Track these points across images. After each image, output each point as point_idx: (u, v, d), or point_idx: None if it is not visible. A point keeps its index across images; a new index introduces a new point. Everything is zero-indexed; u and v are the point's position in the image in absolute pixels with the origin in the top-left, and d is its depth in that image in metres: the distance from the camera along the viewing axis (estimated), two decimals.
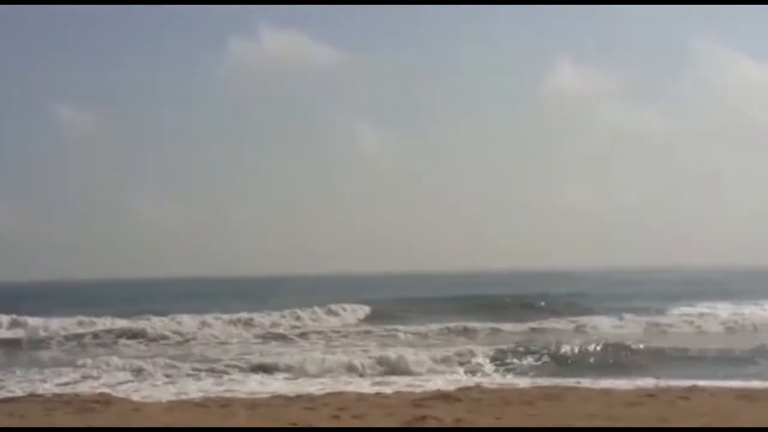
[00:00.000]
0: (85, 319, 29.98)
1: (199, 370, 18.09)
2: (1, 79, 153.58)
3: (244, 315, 30.98)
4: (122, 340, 26.59)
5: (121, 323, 29.26)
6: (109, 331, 27.78)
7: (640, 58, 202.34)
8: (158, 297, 52.00)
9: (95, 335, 27.38)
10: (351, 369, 18.29)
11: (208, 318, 30.22)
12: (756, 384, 14.98)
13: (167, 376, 17.61)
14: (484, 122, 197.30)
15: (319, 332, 28.05)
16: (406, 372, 17.97)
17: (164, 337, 26.82)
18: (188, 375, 17.68)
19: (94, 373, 18.05)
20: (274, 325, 30.29)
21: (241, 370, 18.25)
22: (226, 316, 30.53)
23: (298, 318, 31.82)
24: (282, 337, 27.10)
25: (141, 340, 26.58)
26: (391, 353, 19.32)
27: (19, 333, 28.45)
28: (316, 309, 33.33)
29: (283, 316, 31.77)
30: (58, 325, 29.09)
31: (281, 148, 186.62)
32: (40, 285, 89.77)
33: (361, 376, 17.72)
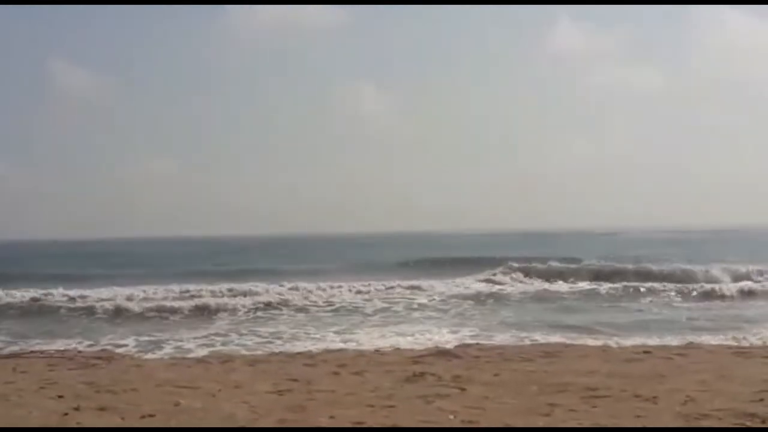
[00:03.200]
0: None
1: None
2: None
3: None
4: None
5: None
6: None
7: (640, 16, 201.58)
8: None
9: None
10: None
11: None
12: (753, 341, 15.16)
13: None
14: (485, 81, 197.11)
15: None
16: None
17: None
18: None
19: None
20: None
21: None
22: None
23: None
24: None
25: None
26: None
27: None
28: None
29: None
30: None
31: (282, 107, 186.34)
32: (43, 245, 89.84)
33: None
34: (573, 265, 33.54)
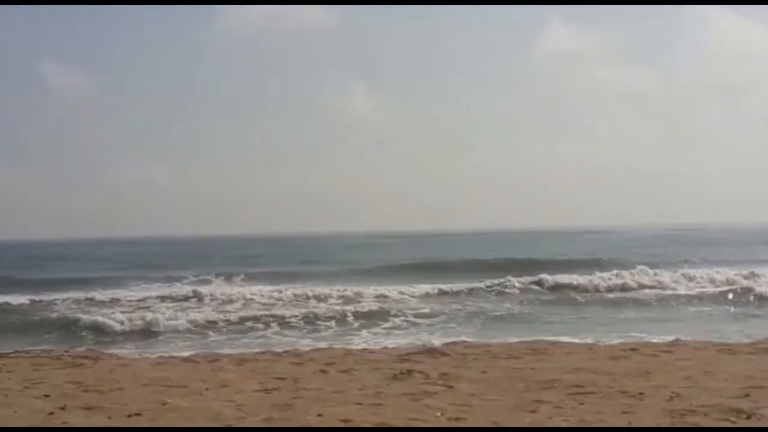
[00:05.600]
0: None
1: None
2: None
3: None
4: None
5: None
6: None
7: (631, 17, 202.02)
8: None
9: None
10: None
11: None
12: (739, 338, 15.21)
13: None
14: (477, 82, 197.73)
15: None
16: None
17: None
18: None
19: None
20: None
21: None
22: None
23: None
24: None
25: None
26: None
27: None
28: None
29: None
30: None
31: (274, 108, 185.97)
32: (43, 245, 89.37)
33: None
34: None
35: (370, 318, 20.55)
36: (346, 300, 24.62)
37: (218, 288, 27.59)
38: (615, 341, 14.73)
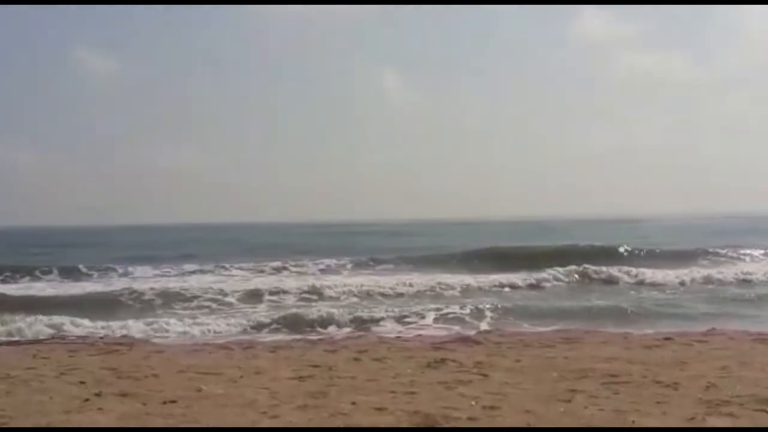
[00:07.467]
0: None
1: None
2: (24, 24, 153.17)
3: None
4: None
5: None
6: None
7: (665, 5, 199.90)
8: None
9: None
10: None
11: None
12: None
13: None
14: (509, 69, 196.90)
15: None
16: None
17: None
18: None
19: None
20: None
21: None
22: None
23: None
24: None
25: None
26: None
27: None
28: None
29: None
30: None
31: (306, 95, 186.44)
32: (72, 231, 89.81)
33: None
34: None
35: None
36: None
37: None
38: (650, 330, 14.62)
